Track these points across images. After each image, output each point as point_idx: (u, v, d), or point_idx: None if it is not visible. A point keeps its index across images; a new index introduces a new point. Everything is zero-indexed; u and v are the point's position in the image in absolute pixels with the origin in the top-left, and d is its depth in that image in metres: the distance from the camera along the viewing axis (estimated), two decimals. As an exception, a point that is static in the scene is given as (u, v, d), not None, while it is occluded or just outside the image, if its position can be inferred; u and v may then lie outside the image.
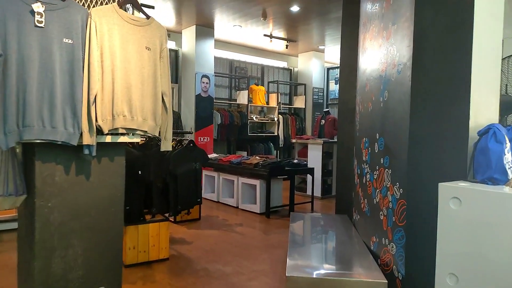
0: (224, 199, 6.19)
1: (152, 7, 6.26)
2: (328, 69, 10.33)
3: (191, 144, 3.49)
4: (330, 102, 10.23)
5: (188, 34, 7.49)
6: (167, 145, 2.22)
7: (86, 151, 1.90)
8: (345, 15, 4.57)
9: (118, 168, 2.11)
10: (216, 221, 5.09)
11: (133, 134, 2.07)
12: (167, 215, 3.63)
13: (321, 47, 9.28)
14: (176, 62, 7.87)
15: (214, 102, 7.85)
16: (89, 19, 1.93)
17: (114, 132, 2.01)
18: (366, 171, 2.98)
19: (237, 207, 5.89)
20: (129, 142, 2.11)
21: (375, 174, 2.71)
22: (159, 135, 2.23)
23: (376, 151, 2.71)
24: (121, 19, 2.02)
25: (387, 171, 2.44)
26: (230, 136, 8.30)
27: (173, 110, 7.86)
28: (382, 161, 2.55)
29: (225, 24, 7.31)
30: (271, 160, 5.56)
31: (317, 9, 6.48)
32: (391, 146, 2.39)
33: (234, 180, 5.97)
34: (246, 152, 8.46)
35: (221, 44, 8.60)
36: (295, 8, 6.41)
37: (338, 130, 4.52)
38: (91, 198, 2.09)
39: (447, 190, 1.65)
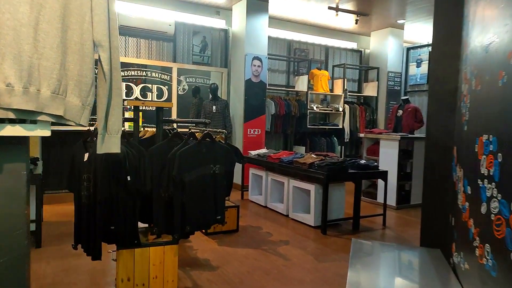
0: (272, 204, 5.11)
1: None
2: (408, 49, 8.63)
3: (207, 139, 2.45)
4: (409, 89, 8.55)
5: (239, 10, 6.48)
6: (110, 144, 1.20)
7: None
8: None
9: (10, 181, 1.12)
10: (257, 234, 4.04)
11: (33, 122, 1.08)
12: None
13: (400, 22, 7.66)
14: (226, 44, 6.93)
15: (268, 89, 6.77)
16: None
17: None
18: (489, 195, 1.68)
19: (286, 216, 4.78)
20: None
21: (514, 204, 1.43)
22: (107, 120, 1.21)
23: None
24: None
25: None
26: (286, 128, 7.17)
27: (221, 98, 7.07)
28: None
29: (282, -4, 6.17)
30: (331, 160, 4.34)
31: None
32: None
33: (284, 182, 4.86)
34: (304, 148, 7.27)
35: (277, 22, 7.46)
36: (367, -34, 5.03)
37: (426, 121, 3.16)
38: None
39: None
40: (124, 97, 6.04)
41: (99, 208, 2.15)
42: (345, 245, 3.78)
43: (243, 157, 4.24)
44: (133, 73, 6.14)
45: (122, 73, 6.01)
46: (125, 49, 6.10)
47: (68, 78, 1.09)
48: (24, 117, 1.04)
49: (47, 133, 1.10)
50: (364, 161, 4.63)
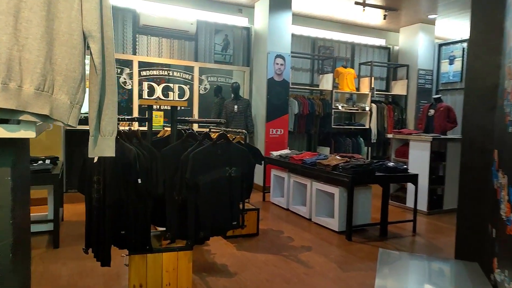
0: (294, 207, 4.93)
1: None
2: (440, 45, 8.20)
3: (223, 140, 2.31)
4: (441, 88, 8.11)
5: (261, 7, 6.33)
6: (103, 146, 1.07)
7: None
8: None
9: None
10: (278, 238, 3.87)
11: (16, 122, 0.96)
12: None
13: (431, 17, 7.28)
14: (248, 42, 6.80)
15: (291, 88, 6.59)
16: None
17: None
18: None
19: (309, 220, 4.58)
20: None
21: None
22: (100, 120, 1.08)
23: None
24: None
25: None
26: (310, 128, 6.95)
27: (242, 97, 6.96)
28: None
29: (305, -8, 5.97)
30: (356, 162, 4.11)
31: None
32: None
33: (307, 185, 4.67)
34: (328, 149, 7.03)
35: (301, 19, 7.26)
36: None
37: (461, 121, 2.89)
38: None
39: None
40: (146, 97, 6.02)
41: (108, 211, 2.06)
42: (371, 252, 3.56)
43: (263, 158, 4.09)
44: (155, 72, 6.11)
45: (145, 73, 6.00)
46: (147, 48, 6.09)
47: (55, 73, 0.97)
48: (4, 116, 0.93)
49: (31, 134, 0.98)
50: (393, 163, 4.36)
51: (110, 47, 1.05)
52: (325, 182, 4.37)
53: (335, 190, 4.17)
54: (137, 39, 6.01)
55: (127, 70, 5.92)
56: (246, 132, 3.75)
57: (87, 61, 1.07)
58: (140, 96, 6.00)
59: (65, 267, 3.00)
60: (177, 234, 2.31)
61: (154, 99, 2.20)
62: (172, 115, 2.46)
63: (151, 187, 2.14)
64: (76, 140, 5.37)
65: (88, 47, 1.02)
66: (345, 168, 4.02)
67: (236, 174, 2.36)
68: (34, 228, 3.45)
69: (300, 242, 3.80)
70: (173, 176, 2.24)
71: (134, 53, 5.97)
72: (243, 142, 3.74)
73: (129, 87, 5.91)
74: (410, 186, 4.99)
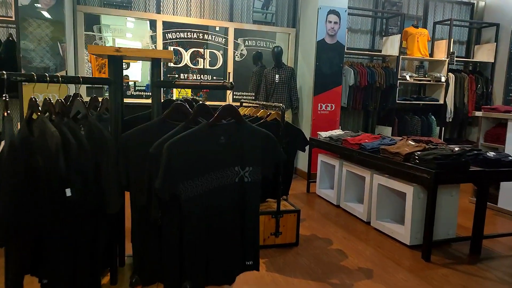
0: (347, 204, 3.83)
1: None
2: (543, -2, 6.35)
3: (230, 118, 1.28)
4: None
5: (312, -49, 5.05)
6: None
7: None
8: None
9: None
10: (325, 253, 2.83)
11: None
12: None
13: (537, -43, 5.52)
14: (294, -3, 5.58)
15: (346, 53, 5.33)
16: None
17: None
18: None
19: (367, 224, 3.48)
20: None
21: None
22: None
23: None
24: None
25: None
26: (368, 103, 5.67)
27: (286, 65, 5.67)
28: None
29: None
30: (441, 151, 2.90)
31: None
32: None
33: (365, 178, 3.54)
34: (391, 129, 5.74)
35: (362, -33, 5.85)
36: None
37: None
38: None
39: None
40: (172, 64, 5.13)
41: (15, 246, 1.14)
42: (461, 284, 2.41)
43: (308, 142, 3.01)
44: (182, 35, 5.16)
45: (170, 36, 5.08)
46: (173, 7, 5.12)
47: None
48: None
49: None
50: (493, 153, 3.07)
51: None
52: (392, 176, 3.21)
53: (407, 189, 3.01)
54: (161, -5, 5.07)
55: (149, 32, 5.04)
56: (284, 107, 2.69)
57: None
58: (165, 62, 5.11)
59: None
60: (148, 279, 1.35)
61: (116, 49, 1.18)
62: (152, 74, 1.46)
63: (95, 200, 1.18)
64: None
65: None
66: (424, 158, 2.83)
67: (252, 178, 1.33)
68: None
69: (356, 260, 2.73)
70: (140, 180, 1.26)
71: (158, 11, 5.04)
72: (279, 120, 2.69)
73: (152, 52, 5.03)
74: (506, 184, 3.67)
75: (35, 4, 3.86)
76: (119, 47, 1.30)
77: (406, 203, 3.03)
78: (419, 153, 2.93)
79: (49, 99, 1.21)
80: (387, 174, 3.27)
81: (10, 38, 4.09)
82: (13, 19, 3.91)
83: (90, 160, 1.15)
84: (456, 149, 2.99)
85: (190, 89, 4.93)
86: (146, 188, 1.20)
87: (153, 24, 5.05)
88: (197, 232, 1.23)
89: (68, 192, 1.09)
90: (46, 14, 3.91)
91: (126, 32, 6.14)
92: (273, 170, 1.42)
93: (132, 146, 1.27)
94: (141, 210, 1.25)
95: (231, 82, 1.24)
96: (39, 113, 1.28)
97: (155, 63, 1.42)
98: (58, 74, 3.83)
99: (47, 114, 1.27)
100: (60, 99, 1.25)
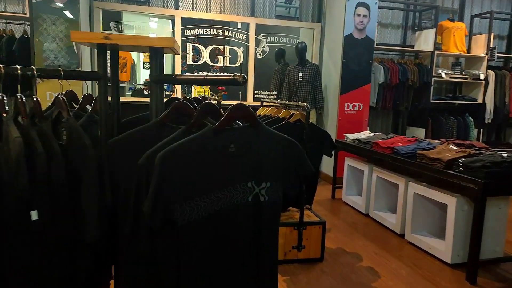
0: (378, 213, 3.49)
1: None
2: None
3: (247, 122, 1.00)
4: None
5: None
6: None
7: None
8: None
9: None
10: (353, 271, 2.52)
11: None
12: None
13: None
14: (320, -10, 5.25)
15: (376, 49, 4.96)
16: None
17: None
18: None
19: (401, 237, 3.13)
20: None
21: None
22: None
23: None
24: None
25: None
26: (399, 103, 5.27)
27: (310, 62, 5.31)
28: None
29: None
30: (490, 157, 2.53)
31: None
32: None
33: (399, 185, 3.19)
34: (424, 130, 5.32)
35: (394, -43, 5.45)
36: None
37: None
38: None
39: None
40: (190, 62, 4.93)
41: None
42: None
43: (335, 146, 2.70)
44: (201, 31, 4.94)
45: (189, 32, 4.87)
46: (193, 2, 4.91)
47: None
48: None
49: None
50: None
51: None
52: (431, 185, 2.85)
53: (449, 200, 2.65)
54: (180, -10, 4.87)
55: (168, 29, 4.85)
56: (309, 106, 2.40)
57: None
58: (184, 61, 4.92)
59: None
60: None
61: (105, 33, 0.93)
62: (150, 67, 1.21)
63: (70, 226, 0.93)
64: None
65: None
66: (470, 166, 2.47)
67: (271, 197, 1.05)
68: None
69: (390, 281, 2.41)
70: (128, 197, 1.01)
71: (177, 7, 4.84)
72: (303, 121, 2.41)
73: (170, 49, 4.84)
74: None
75: (50, 0, 3.73)
76: (109, 33, 1.05)
77: (447, 216, 2.67)
78: (463, 159, 2.57)
79: (21, 97, 0.99)
80: (425, 182, 2.92)
81: (25, 36, 3.98)
82: (27, 15, 3.78)
83: (63, 174, 0.91)
84: (504, 155, 2.61)
85: (209, 87, 4.70)
86: (132, 211, 0.95)
87: (171, 20, 4.85)
88: (199, 267, 0.97)
89: (34, 215, 0.85)
90: (60, 10, 3.78)
91: (150, 32, 6.00)
92: (298, 188, 1.14)
93: (121, 156, 1.02)
94: (131, 239, 0.99)
95: (243, 76, 0.96)
96: (24, 118, 1.06)
97: (154, 54, 1.17)
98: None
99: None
100: (36, 97, 1.02)
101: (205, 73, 1.09)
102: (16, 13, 4.10)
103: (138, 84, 5.64)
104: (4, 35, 3.79)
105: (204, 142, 0.96)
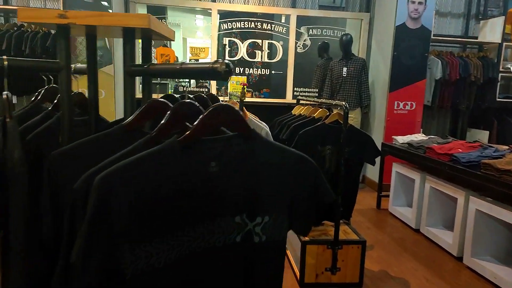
0: (430, 229, 3.02)
1: None
2: None
3: (238, 133, 0.70)
4: None
5: None
6: None
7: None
8: None
9: None
10: (397, 303, 2.12)
11: None
12: None
13: None
14: (369, -23, 4.76)
15: (433, 41, 4.39)
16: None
17: None
18: None
19: (458, 260, 2.64)
20: None
21: None
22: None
23: None
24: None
25: None
26: (458, 101, 4.63)
27: (356, 55, 4.71)
28: None
29: None
30: None
31: None
32: None
33: (457, 199, 2.70)
34: (487, 133, 4.65)
35: None
36: None
37: None
38: None
39: None
40: (227, 58, 4.69)
41: None
42: None
43: (379, 153, 2.30)
44: (238, 25, 4.69)
45: (226, 26, 4.64)
46: (231, -6, 4.66)
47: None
48: None
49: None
50: None
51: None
52: (498, 202, 2.35)
53: (523, 222, 2.15)
54: (217, -18, 4.64)
55: (203, 23, 4.65)
56: (347, 106, 2.03)
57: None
58: (220, 56, 4.70)
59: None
60: None
61: (61, 11, 0.68)
62: (124, 54, 0.93)
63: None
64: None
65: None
66: (554, 182, 1.96)
67: (270, 236, 0.74)
68: None
69: (444, 318, 1.98)
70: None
71: None
72: (341, 122, 2.05)
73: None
74: None
75: (83, -6, 3.66)
76: (65, 11, 0.79)
77: (520, 242, 2.17)
78: (544, 173, 2.06)
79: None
80: (490, 198, 2.42)
81: (61, 32, 3.96)
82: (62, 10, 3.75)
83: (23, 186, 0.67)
84: None
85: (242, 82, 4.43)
86: (62, 259, 0.68)
87: (207, 13, 4.65)
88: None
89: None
90: (93, 5, 3.70)
91: (197, 31, 5.85)
92: (314, 219, 0.81)
93: (67, 173, 0.75)
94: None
95: (226, 63, 0.65)
96: (7, 119, 0.86)
97: (127, 37, 0.90)
98: (104, 68, 3.47)
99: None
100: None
101: (180, 62, 0.80)
102: (51, 9, 4.11)
103: (180, 81, 5.43)
104: (40, 30, 3.78)
105: (168, 159, 0.66)
